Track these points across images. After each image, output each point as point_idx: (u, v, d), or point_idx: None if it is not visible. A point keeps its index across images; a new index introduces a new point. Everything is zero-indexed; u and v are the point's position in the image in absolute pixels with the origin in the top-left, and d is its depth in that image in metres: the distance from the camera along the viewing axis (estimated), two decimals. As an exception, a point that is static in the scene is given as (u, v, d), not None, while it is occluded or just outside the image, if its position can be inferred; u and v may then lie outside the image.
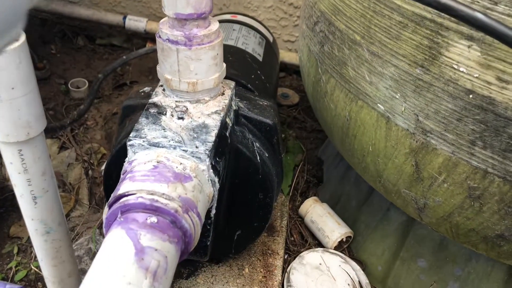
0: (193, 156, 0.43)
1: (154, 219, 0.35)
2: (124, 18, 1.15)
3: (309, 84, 0.64)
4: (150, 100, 0.49)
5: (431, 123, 0.45)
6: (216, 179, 0.45)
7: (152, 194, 0.37)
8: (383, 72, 0.48)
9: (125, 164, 0.43)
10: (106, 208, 0.39)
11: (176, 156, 0.42)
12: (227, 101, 0.51)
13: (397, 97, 0.47)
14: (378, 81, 0.48)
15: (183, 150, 0.43)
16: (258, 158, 0.55)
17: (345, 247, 0.72)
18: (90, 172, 0.86)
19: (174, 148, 0.43)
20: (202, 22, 0.46)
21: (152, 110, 0.48)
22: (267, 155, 0.57)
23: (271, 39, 0.90)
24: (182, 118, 0.47)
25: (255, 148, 0.56)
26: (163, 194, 0.37)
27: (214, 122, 0.47)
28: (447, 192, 0.47)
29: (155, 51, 0.94)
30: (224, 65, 0.51)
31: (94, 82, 0.82)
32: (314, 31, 0.59)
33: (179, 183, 0.39)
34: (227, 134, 0.50)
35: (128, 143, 0.43)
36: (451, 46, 0.41)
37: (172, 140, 0.44)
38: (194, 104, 0.49)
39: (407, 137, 0.48)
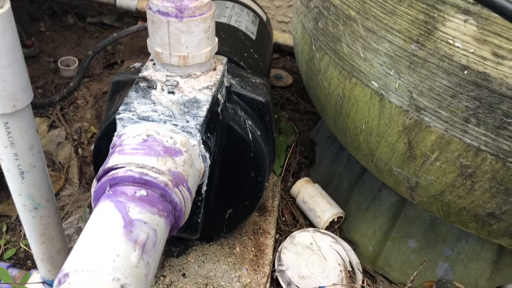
0: (183, 131, 0.42)
1: (143, 192, 0.35)
2: (115, -5, 1.13)
3: (302, 62, 0.64)
4: (140, 74, 0.48)
5: (425, 100, 0.45)
6: (207, 155, 0.45)
7: (141, 167, 0.36)
8: (377, 48, 0.47)
9: (114, 138, 0.42)
10: (94, 182, 0.38)
11: (166, 130, 0.42)
12: (218, 77, 0.50)
13: (391, 73, 0.46)
14: (373, 57, 0.48)
15: (173, 124, 0.42)
16: (250, 136, 0.54)
17: (336, 228, 0.72)
18: (80, 151, 0.85)
19: (164, 122, 0.42)
20: (193, -6, 0.45)
21: (142, 84, 0.47)
22: (259, 133, 0.57)
23: (264, 18, 0.89)
24: (172, 93, 0.46)
25: (247, 125, 0.55)
26: (153, 167, 0.37)
27: (205, 97, 0.46)
28: (439, 171, 0.47)
29: (146, 29, 0.93)
30: (216, 39, 0.50)
31: (84, 60, 0.80)
32: (309, 7, 0.58)
33: (169, 157, 0.39)
34: (219, 111, 0.49)
35: (117, 116, 0.43)
36: (447, 20, 0.40)
37: (162, 114, 0.43)
38: (185, 78, 0.48)
39: (400, 115, 0.47)
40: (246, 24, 0.79)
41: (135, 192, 0.35)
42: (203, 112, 0.44)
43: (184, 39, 0.45)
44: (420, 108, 0.45)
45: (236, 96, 0.56)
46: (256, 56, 0.74)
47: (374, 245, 0.69)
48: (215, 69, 0.51)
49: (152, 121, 0.42)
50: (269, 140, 0.59)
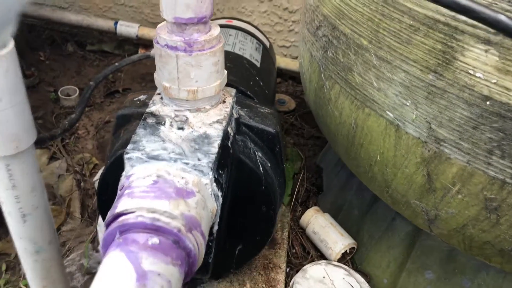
0: (195, 169, 0.40)
1: (155, 240, 0.33)
2: (115, 23, 1.12)
3: (310, 90, 0.62)
4: (147, 110, 0.47)
5: (444, 131, 0.43)
6: (219, 193, 0.43)
7: (153, 212, 0.34)
8: (392, 78, 0.45)
9: (122, 179, 0.40)
10: (102, 227, 0.36)
11: (177, 170, 0.40)
12: (228, 109, 0.49)
13: (407, 104, 0.45)
14: (387, 87, 0.46)
15: (185, 163, 0.40)
16: (261, 168, 0.52)
17: (349, 259, 0.70)
18: (82, 183, 0.83)
19: (175, 161, 0.40)
20: (202, 26, 0.43)
21: (150, 120, 0.45)
22: (269, 165, 0.55)
23: (267, 44, 0.88)
24: (182, 128, 0.44)
25: (258, 158, 0.53)
26: (165, 212, 0.35)
27: (216, 132, 0.44)
28: (461, 204, 0.45)
29: (148, 57, 0.92)
30: (225, 72, 0.49)
31: (85, 90, 0.78)
32: (317, 36, 0.57)
33: (181, 199, 0.37)
34: (229, 144, 0.48)
35: (126, 156, 0.41)
36: (467, 50, 0.39)
37: (173, 152, 0.41)
38: (194, 113, 0.46)
39: (418, 146, 0.46)
40: (250, 51, 0.78)
41: (147, 239, 0.33)
42: (214, 148, 0.42)
43: (194, 73, 0.44)
44: (439, 139, 0.44)
45: (245, 128, 0.54)
46: (261, 84, 0.73)
47: (388, 277, 0.66)
48: (224, 101, 0.50)
49: (162, 160, 0.40)
50: (279, 171, 0.58)
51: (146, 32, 1.13)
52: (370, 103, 0.49)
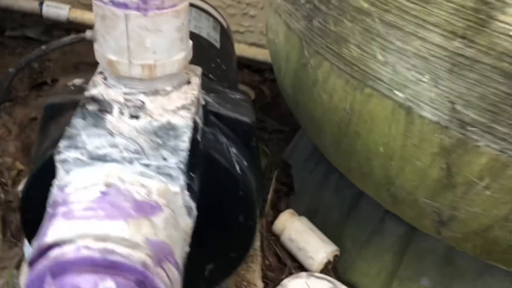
0: (159, 173, 0.29)
1: (110, 284, 0.21)
2: (41, 4, 0.96)
3: (287, 72, 0.52)
4: (86, 94, 0.34)
5: (473, 113, 0.34)
6: (193, 204, 0.31)
7: (103, 240, 0.22)
8: (404, 48, 0.36)
9: (54, 191, 0.28)
10: (25, 267, 0.24)
11: (134, 175, 0.28)
12: (195, 92, 0.37)
13: (424, 80, 0.36)
14: (396, 60, 0.37)
15: (144, 164, 0.29)
16: (238, 168, 0.42)
17: (331, 268, 0.61)
18: (2, 195, 0.68)
19: (130, 162, 0.29)
20: (161, -24, 0.32)
21: (91, 107, 0.33)
22: (246, 164, 0.44)
23: (225, 25, 0.77)
24: (137, 117, 0.32)
25: (232, 155, 0.43)
26: (122, 238, 0.23)
27: (183, 122, 0.33)
28: (488, 201, 0.37)
29: (83, 40, 0.77)
30: (191, 42, 0.37)
31: (3, 79, 0.64)
32: (297, 2, 0.47)
33: (144, 218, 0.25)
34: (199, 138, 0.36)
35: (58, 157, 0.28)
36: (509, 6, 0.31)
37: (126, 149, 0.29)
38: (151, 96, 0.35)
39: (436, 132, 0.37)
40: (207, 30, 0.66)
41: (97, 285, 0.21)
42: (184, 143, 0.31)
43: (150, 40, 0.32)
44: (465, 123, 0.35)
45: (215, 117, 0.43)
46: (223, 67, 0.62)
47: (379, 287, 0.58)
48: (189, 82, 0.38)
49: (112, 161, 0.28)
50: (256, 170, 0.47)
51: (78, 14, 0.97)
52: (373, 81, 0.39)
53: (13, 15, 1.01)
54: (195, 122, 0.35)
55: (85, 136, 0.30)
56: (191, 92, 0.37)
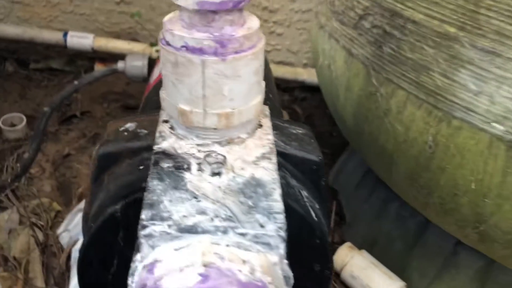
0: (257, 243, 0.25)
1: None
2: (65, 35, 0.93)
3: (347, 100, 0.48)
4: (156, 147, 0.31)
5: None
6: (291, 273, 0.27)
7: None
8: (504, 76, 0.32)
9: (140, 270, 0.24)
10: None
11: (231, 248, 0.24)
12: (270, 137, 0.34)
13: (531, 111, 0.32)
14: (495, 89, 0.33)
15: (240, 234, 0.25)
16: (314, 215, 0.38)
17: (398, 305, 0.56)
18: (41, 238, 0.64)
19: (224, 232, 0.25)
20: (238, 15, 0.28)
21: (166, 165, 0.29)
22: (318, 207, 0.40)
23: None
24: (219, 174, 0.28)
25: (305, 199, 0.39)
26: None
27: (269, 175, 0.29)
28: None
29: (115, 72, 0.74)
30: (263, 82, 0.34)
31: (39, 119, 0.61)
32: (360, 28, 0.43)
33: (257, 306, 0.21)
34: (279, 188, 0.33)
35: (143, 232, 0.25)
36: None
37: (217, 216, 0.25)
38: (226, 147, 0.31)
39: (545, 168, 0.33)
40: (249, 56, 0.63)
41: None
42: (278, 203, 0.27)
43: (228, 87, 0.29)
44: None
45: (281, 158, 0.39)
46: (270, 95, 0.58)
47: (455, 325, 0.53)
48: (260, 125, 0.35)
49: (204, 232, 0.25)
50: (325, 211, 0.43)
51: (103, 43, 0.95)
52: (463, 112, 0.35)
53: (36, 48, 0.99)
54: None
55: (168, 202, 0.26)
56: (266, 137, 0.33)
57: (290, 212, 0.36)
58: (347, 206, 0.68)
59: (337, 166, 0.76)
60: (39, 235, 0.65)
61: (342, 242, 0.64)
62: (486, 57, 0.33)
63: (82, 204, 0.68)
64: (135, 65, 0.70)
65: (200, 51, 0.27)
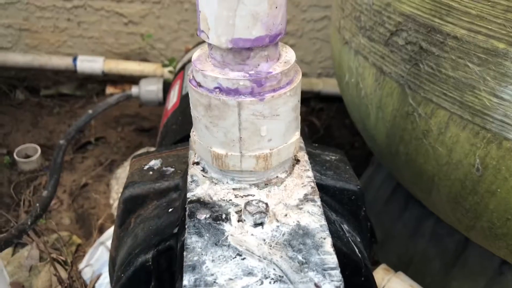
0: (314, 305, 0.23)
1: None
2: (75, 60, 0.92)
3: (380, 119, 0.45)
4: (190, 195, 0.28)
5: None
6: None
7: None
8: None
9: None
10: None
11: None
12: (310, 174, 0.31)
13: None
14: (553, 109, 0.30)
15: (294, 295, 0.22)
16: (357, 250, 0.35)
17: (441, 329, 0.53)
18: (63, 274, 0.62)
19: (277, 294, 0.22)
20: (273, 50, 0.26)
21: (203, 216, 0.27)
22: (359, 240, 0.38)
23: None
24: (261, 224, 0.26)
25: (347, 234, 0.36)
26: None
27: (316, 221, 0.27)
28: None
29: (130, 97, 0.73)
30: (300, 117, 0.31)
31: (55, 153, 0.59)
32: (392, 44, 0.40)
33: None
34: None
35: (187, 302, 0.22)
36: None
37: (266, 277, 0.23)
38: (264, 189, 0.29)
39: None
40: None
41: None
42: (331, 256, 0.25)
43: (266, 127, 0.26)
44: None
45: (318, 189, 0.37)
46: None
47: None
48: (298, 160, 0.32)
49: (253, 296, 0.22)
50: (367, 242, 0.40)
51: (113, 65, 0.93)
52: (515, 134, 0.33)
53: (46, 74, 0.98)
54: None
55: (210, 263, 0.23)
56: (306, 174, 0.31)
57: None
58: (377, 224, 0.66)
59: (363, 180, 0.73)
60: (61, 272, 0.63)
61: (374, 262, 0.61)
62: (541, 74, 0.30)
63: (103, 237, 0.66)
64: (149, 89, 0.68)
65: (235, 92, 0.25)
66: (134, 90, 0.70)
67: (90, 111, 0.64)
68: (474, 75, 0.34)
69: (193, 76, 0.27)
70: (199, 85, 0.26)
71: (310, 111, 1.01)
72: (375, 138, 0.49)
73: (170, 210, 0.35)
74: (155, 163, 0.39)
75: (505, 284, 0.50)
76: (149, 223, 0.35)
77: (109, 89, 0.95)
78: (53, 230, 0.67)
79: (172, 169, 0.37)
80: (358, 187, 0.38)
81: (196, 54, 0.28)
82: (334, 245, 0.33)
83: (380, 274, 0.56)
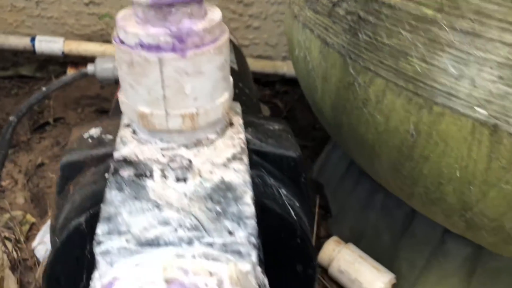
0: (226, 252, 0.23)
1: None
2: (33, 40, 0.90)
3: (325, 91, 0.46)
4: (116, 154, 0.29)
5: None
6: (266, 280, 0.26)
7: None
8: (486, 58, 0.31)
9: (100, 291, 0.22)
10: None
11: (197, 260, 0.22)
12: (242, 136, 0.32)
13: (513, 93, 0.30)
14: (477, 72, 0.31)
15: (207, 243, 0.23)
16: (293, 213, 0.36)
17: (389, 298, 0.55)
18: (15, 253, 0.61)
19: (189, 242, 0.23)
20: (197, 7, 0.26)
21: (126, 173, 0.27)
22: (298, 205, 0.38)
23: (235, 41, 0.71)
24: (184, 180, 0.26)
25: (283, 197, 0.37)
26: None
27: (239, 177, 0.27)
28: None
29: (85, 75, 0.71)
30: (231, 78, 0.31)
31: (4, 129, 0.58)
32: (334, 15, 0.41)
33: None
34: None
35: (98, 248, 0.22)
36: None
37: (181, 226, 0.23)
38: (193, 149, 0.29)
39: (531, 152, 0.31)
40: (222, 51, 0.60)
41: None
42: (248, 207, 0.25)
43: (190, 85, 0.26)
44: None
45: (258, 156, 0.37)
46: (247, 91, 0.56)
47: (447, 316, 0.52)
48: (231, 123, 0.32)
49: (166, 245, 0.23)
50: (307, 209, 0.41)
51: (74, 47, 0.91)
52: (444, 98, 0.34)
53: (4, 55, 0.95)
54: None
55: (127, 214, 0.24)
56: (237, 136, 0.31)
57: (268, 212, 0.34)
58: (333, 199, 0.67)
59: (321, 159, 0.74)
60: (12, 251, 0.62)
61: (328, 236, 0.62)
62: (466, 39, 0.31)
63: (58, 215, 0.65)
64: (105, 67, 0.67)
65: (156, 48, 0.25)
66: (90, 68, 0.69)
67: (44, 88, 0.63)
68: (407, 42, 0.35)
69: (116, 34, 0.27)
70: (122, 42, 0.26)
71: (275, 94, 1.02)
72: (323, 111, 0.50)
73: (107, 175, 0.35)
74: (95, 131, 0.38)
75: (447, 252, 0.52)
76: (86, 189, 0.35)
77: (70, 71, 0.94)
78: (5, 209, 0.66)
79: (111, 137, 0.37)
80: (298, 154, 0.38)
81: (121, 12, 0.27)
82: (268, 206, 0.34)
83: (331, 245, 0.57)
